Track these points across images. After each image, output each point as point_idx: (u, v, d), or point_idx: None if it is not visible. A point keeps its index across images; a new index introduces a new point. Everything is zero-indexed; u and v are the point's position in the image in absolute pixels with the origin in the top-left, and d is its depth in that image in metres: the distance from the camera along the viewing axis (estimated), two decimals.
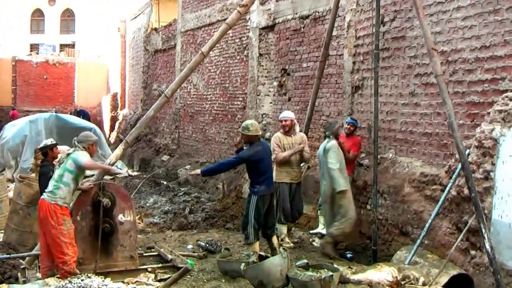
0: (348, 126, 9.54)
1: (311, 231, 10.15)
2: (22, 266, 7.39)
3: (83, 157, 6.89)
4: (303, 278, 6.33)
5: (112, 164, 8.08)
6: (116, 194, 7.38)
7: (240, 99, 14.93)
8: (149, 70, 23.91)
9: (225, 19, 10.66)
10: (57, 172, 6.92)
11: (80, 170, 6.91)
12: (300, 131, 9.76)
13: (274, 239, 8.18)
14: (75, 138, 7.22)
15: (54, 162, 7.58)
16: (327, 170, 8.64)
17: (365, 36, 9.74)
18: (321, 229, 9.86)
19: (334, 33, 10.27)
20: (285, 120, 9.16)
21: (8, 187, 11.70)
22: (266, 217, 8.04)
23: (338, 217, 8.60)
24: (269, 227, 8.14)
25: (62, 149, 8.70)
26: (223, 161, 8.71)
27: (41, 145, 8.31)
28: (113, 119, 30.53)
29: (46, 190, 6.88)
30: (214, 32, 13.76)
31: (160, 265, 7.75)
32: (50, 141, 8.20)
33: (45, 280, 6.54)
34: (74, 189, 6.92)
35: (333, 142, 8.70)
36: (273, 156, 8.70)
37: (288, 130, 9.14)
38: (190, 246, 9.16)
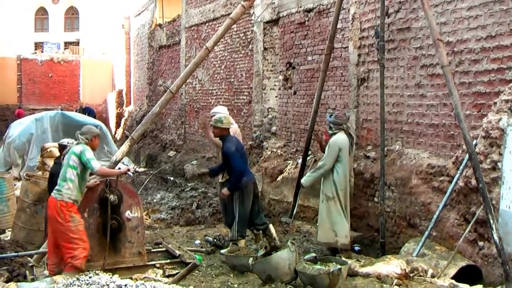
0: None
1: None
2: (30, 264, 7.42)
3: (93, 161, 6.81)
4: (311, 271, 6.33)
5: (119, 161, 8.07)
6: (123, 191, 7.38)
7: (246, 93, 14.90)
8: (154, 66, 23.89)
9: (229, 14, 10.67)
10: (62, 169, 6.93)
11: (83, 166, 6.85)
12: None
13: (271, 228, 8.27)
14: (78, 131, 7.19)
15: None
16: None
17: (370, 28, 9.69)
18: None
19: (339, 25, 10.22)
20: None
21: (15, 185, 11.73)
22: (252, 212, 8.20)
23: None
24: (258, 222, 8.32)
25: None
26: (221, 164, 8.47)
27: (60, 142, 8.29)
28: (119, 116, 30.54)
29: (55, 188, 6.89)
30: (218, 27, 13.78)
31: (168, 260, 7.77)
32: (66, 141, 7.97)
33: (53, 277, 6.51)
34: (80, 184, 6.88)
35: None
36: None
37: None
38: (198, 242, 9.18)
